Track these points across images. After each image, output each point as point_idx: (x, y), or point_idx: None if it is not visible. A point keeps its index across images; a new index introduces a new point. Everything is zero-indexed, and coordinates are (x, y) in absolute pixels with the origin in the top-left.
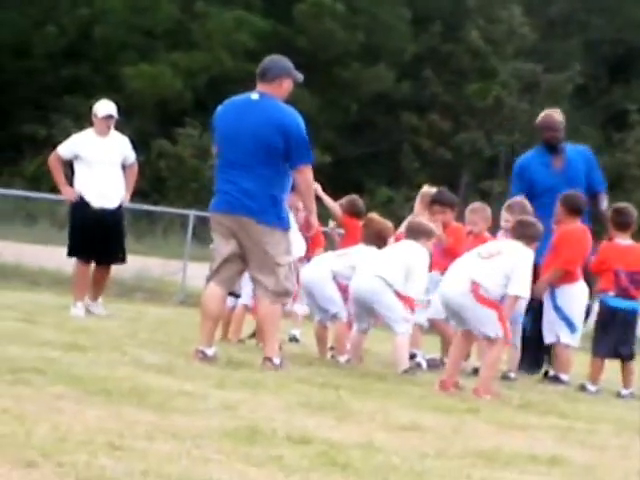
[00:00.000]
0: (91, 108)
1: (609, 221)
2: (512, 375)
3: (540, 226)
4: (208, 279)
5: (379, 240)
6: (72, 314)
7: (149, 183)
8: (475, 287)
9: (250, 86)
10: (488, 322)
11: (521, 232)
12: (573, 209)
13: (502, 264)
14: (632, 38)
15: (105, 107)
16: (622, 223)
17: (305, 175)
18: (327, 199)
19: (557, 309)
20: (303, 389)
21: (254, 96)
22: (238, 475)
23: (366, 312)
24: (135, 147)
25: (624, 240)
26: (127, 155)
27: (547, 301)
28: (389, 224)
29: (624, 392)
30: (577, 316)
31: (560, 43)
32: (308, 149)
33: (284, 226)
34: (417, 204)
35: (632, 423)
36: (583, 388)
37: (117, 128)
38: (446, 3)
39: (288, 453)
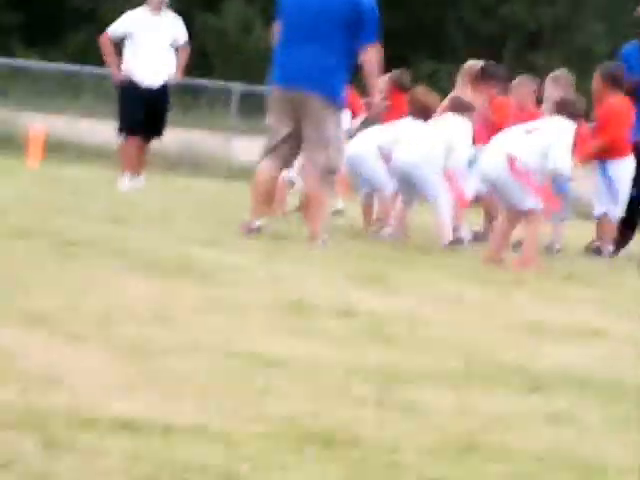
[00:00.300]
0: None
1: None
2: (557, 247)
3: (582, 102)
4: (263, 155)
5: (425, 113)
6: (120, 187)
7: (194, 57)
8: (511, 161)
9: None
10: (525, 195)
11: (563, 109)
12: (610, 81)
13: (541, 139)
14: None
15: None
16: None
17: (372, 53)
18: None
19: (609, 182)
20: (348, 262)
21: None
22: (283, 347)
23: (408, 185)
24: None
25: None
26: (178, 35)
27: (599, 174)
28: (434, 97)
29: None
30: (624, 192)
31: None
32: (377, 28)
33: (340, 104)
34: (461, 78)
35: None
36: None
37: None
38: None
39: (333, 325)
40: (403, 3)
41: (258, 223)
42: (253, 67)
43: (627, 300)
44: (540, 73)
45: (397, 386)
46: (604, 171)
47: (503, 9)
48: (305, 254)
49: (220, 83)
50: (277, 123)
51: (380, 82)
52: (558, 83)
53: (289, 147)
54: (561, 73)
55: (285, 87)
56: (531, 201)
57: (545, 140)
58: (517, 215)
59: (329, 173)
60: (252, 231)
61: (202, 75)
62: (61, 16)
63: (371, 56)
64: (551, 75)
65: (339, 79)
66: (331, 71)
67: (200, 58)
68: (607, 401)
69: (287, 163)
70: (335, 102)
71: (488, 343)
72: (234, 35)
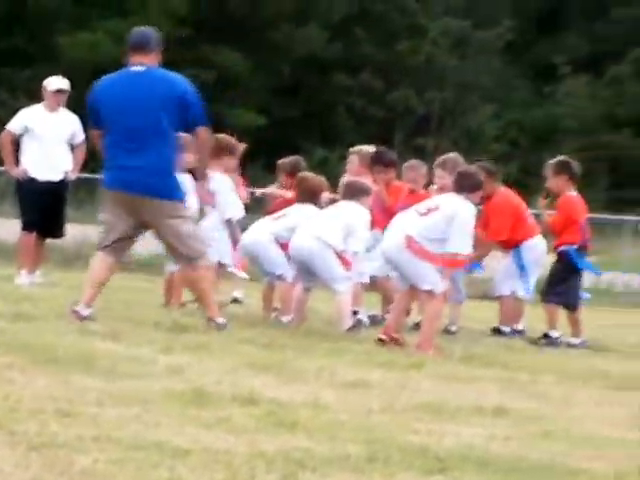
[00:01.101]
0: (28, 80)
1: (562, 174)
2: (453, 328)
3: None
4: (99, 248)
5: (313, 197)
6: (17, 283)
7: (87, 151)
8: (411, 241)
9: (183, 51)
10: (426, 275)
11: (461, 184)
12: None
13: (440, 219)
14: None
15: (56, 82)
16: (575, 175)
17: (203, 136)
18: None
19: (520, 264)
20: (248, 350)
21: (137, 68)
22: (187, 438)
23: (306, 272)
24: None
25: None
26: (76, 133)
27: (511, 256)
28: (322, 180)
29: (575, 341)
30: (533, 272)
31: None
32: (203, 111)
33: (180, 196)
34: (353, 164)
35: (574, 372)
36: (547, 337)
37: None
38: None
39: (236, 414)
40: (294, 90)
41: (86, 313)
42: None
43: (527, 379)
44: (430, 156)
45: (301, 473)
46: (517, 254)
47: (392, 94)
48: (204, 343)
49: None
50: (115, 221)
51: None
52: (446, 167)
53: (127, 241)
54: (449, 157)
55: (118, 191)
56: (431, 281)
57: (444, 220)
58: (416, 294)
59: (196, 260)
60: (81, 318)
61: (94, 169)
62: None
63: (203, 138)
64: (439, 159)
65: (172, 173)
66: (163, 171)
67: (93, 152)
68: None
69: (123, 254)
70: (175, 198)
71: (390, 426)
72: None
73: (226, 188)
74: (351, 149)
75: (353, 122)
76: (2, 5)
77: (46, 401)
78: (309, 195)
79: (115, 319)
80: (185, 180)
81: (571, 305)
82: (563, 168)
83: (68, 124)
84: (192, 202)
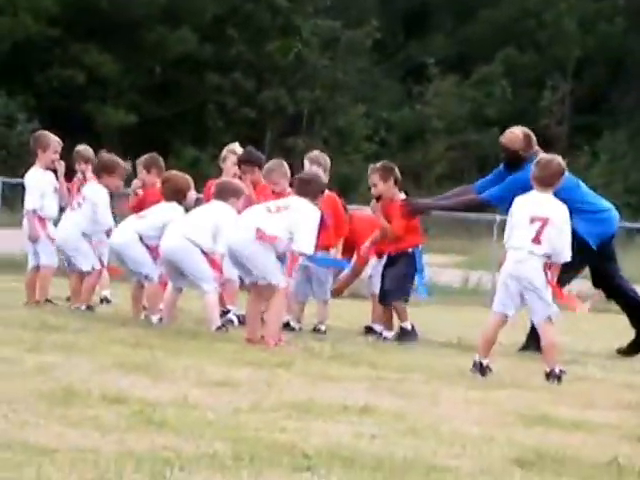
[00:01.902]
0: None
1: (389, 179)
2: (322, 328)
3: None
4: None
5: (179, 195)
6: None
7: None
8: (260, 234)
9: (53, 51)
10: (272, 270)
11: (304, 189)
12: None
13: (288, 219)
14: None
15: None
16: (399, 179)
17: None
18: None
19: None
20: (117, 350)
21: None
22: (55, 437)
23: (176, 272)
24: None
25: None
26: None
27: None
28: (187, 178)
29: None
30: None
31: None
32: None
33: None
34: (226, 163)
35: (440, 371)
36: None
37: None
38: None
39: (104, 413)
40: (165, 90)
41: None
42: (16, 159)
43: (395, 378)
44: (300, 156)
45: (169, 472)
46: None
47: (263, 94)
48: (73, 343)
49: None
50: None
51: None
52: (313, 161)
53: None
54: (315, 153)
55: None
56: (276, 275)
57: (291, 220)
58: (262, 291)
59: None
60: None
61: None
62: None
63: None
64: (307, 156)
65: None
66: None
67: None
68: (376, 477)
69: None
70: None
71: (257, 425)
72: None
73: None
74: (226, 148)
75: (224, 122)
76: None
77: None
78: (175, 194)
79: None
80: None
81: (405, 300)
82: (390, 173)
83: None
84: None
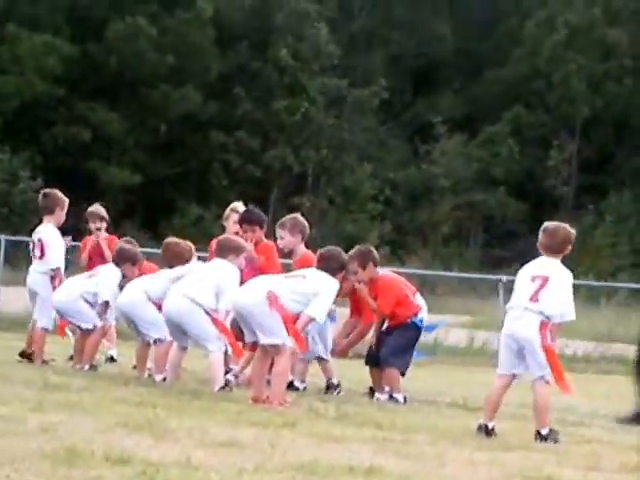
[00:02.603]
0: None
1: (367, 263)
2: (335, 381)
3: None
4: None
5: (180, 262)
6: None
7: None
8: (272, 296)
9: (59, 109)
10: (278, 331)
11: (324, 264)
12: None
13: (305, 285)
14: (433, 51)
15: None
16: (377, 259)
17: None
18: None
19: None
20: (120, 409)
21: None
22: None
23: (180, 331)
24: None
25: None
26: None
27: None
28: (188, 245)
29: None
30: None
31: (363, 58)
32: None
33: None
34: (228, 222)
35: (446, 432)
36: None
37: None
38: (253, 22)
39: (107, 473)
40: (170, 149)
41: None
42: (19, 217)
43: (400, 438)
44: (306, 215)
45: None
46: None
47: (269, 153)
48: (76, 402)
49: None
50: None
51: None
52: (284, 226)
53: None
54: (288, 217)
55: None
56: (281, 336)
57: (309, 287)
58: (267, 350)
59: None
60: None
61: None
62: None
63: None
64: (280, 221)
65: None
66: None
67: None
68: None
69: None
70: None
71: None
72: (0, 186)
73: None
74: (229, 207)
75: (229, 180)
76: None
77: None
78: (175, 260)
79: None
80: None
81: (402, 374)
82: (367, 258)
83: None
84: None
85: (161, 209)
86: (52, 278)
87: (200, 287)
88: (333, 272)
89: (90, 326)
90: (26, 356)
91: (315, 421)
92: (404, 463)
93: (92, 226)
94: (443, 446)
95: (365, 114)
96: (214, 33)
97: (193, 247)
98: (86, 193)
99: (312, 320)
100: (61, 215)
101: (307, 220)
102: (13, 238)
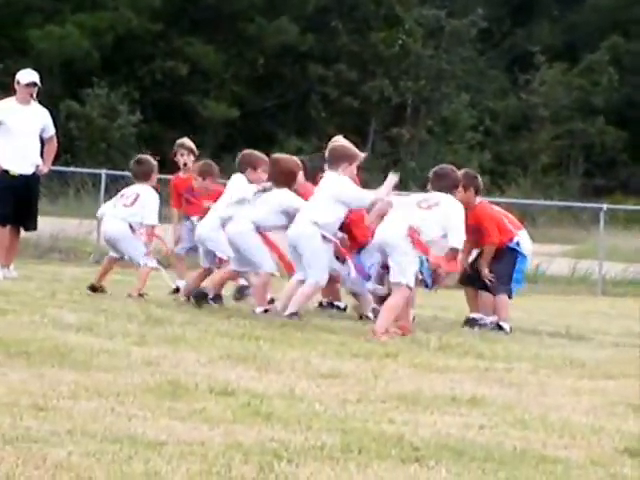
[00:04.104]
0: (4, 74)
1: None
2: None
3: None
4: None
5: (288, 178)
6: None
7: (59, 144)
8: (412, 232)
9: (156, 44)
10: (407, 268)
11: (439, 184)
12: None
13: (440, 215)
14: None
15: (28, 75)
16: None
17: None
18: None
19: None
20: (223, 342)
21: None
22: (162, 430)
23: (300, 260)
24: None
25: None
26: (46, 127)
27: None
28: (295, 160)
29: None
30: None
31: None
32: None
33: None
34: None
35: (548, 360)
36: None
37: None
38: None
39: (211, 406)
40: (268, 82)
41: None
42: (118, 152)
43: (502, 368)
44: (405, 145)
45: (277, 464)
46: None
47: (367, 85)
48: (179, 335)
49: (87, 170)
50: None
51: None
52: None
53: None
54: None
55: None
56: (407, 275)
57: (443, 217)
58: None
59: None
60: None
61: (68, 162)
62: None
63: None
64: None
65: None
66: None
67: (66, 144)
68: (486, 469)
69: None
70: None
71: (365, 416)
72: (98, 121)
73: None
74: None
75: (328, 112)
76: None
77: (20, 395)
78: (284, 176)
79: (89, 312)
80: None
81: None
82: (472, 182)
83: (40, 117)
84: None
85: (260, 142)
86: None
87: (319, 208)
88: (449, 190)
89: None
90: (97, 289)
91: (417, 351)
92: (506, 392)
93: (180, 160)
94: (545, 375)
95: (463, 44)
96: None
97: (299, 162)
98: (184, 127)
99: (458, 252)
100: (155, 179)
101: (407, 150)
102: (113, 172)
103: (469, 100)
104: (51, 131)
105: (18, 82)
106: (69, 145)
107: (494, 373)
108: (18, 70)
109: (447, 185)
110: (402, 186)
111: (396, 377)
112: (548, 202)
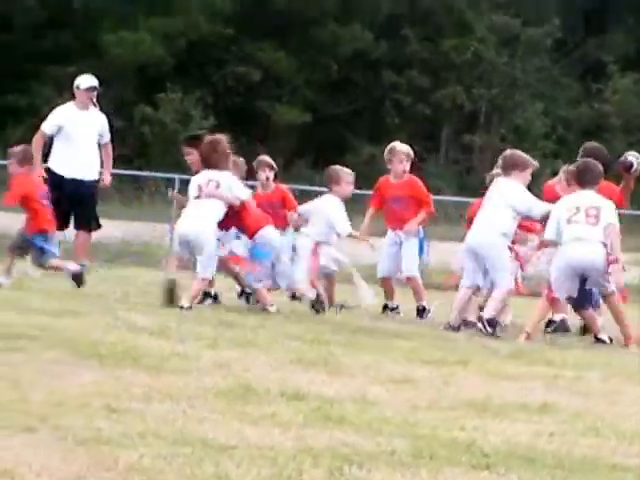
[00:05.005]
0: (73, 77)
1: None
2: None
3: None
4: None
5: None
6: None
7: (133, 148)
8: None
9: (228, 49)
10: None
11: (586, 180)
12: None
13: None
14: None
15: (88, 80)
16: None
17: None
18: None
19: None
20: (294, 346)
21: None
22: (234, 433)
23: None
24: (117, 114)
25: None
26: (104, 132)
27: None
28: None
29: None
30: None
31: None
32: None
33: None
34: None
35: (619, 368)
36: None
37: (99, 96)
38: None
39: (282, 410)
40: (340, 87)
41: None
42: None
43: (572, 375)
44: (477, 153)
45: (347, 468)
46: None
47: (439, 92)
48: (251, 339)
49: (160, 175)
50: None
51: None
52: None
53: None
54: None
55: None
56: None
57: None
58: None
59: None
60: None
61: (141, 166)
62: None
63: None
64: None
65: None
66: None
67: (139, 148)
68: (556, 476)
69: None
70: None
71: (435, 422)
72: (172, 126)
73: None
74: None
75: (400, 119)
76: (49, 3)
77: (92, 396)
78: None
79: (161, 315)
80: None
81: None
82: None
83: (98, 122)
84: None
85: (332, 148)
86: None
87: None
88: (595, 183)
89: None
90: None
91: (488, 358)
92: (577, 400)
93: (262, 175)
94: (616, 383)
95: (538, 53)
96: None
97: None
98: (257, 132)
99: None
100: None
101: (479, 158)
102: (186, 177)
103: (542, 108)
104: (107, 137)
105: (78, 87)
106: (143, 149)
107: (564, 381)
108: (93, 74)
109: (591, 179)
110: (473, 194)
111: (466, 384)
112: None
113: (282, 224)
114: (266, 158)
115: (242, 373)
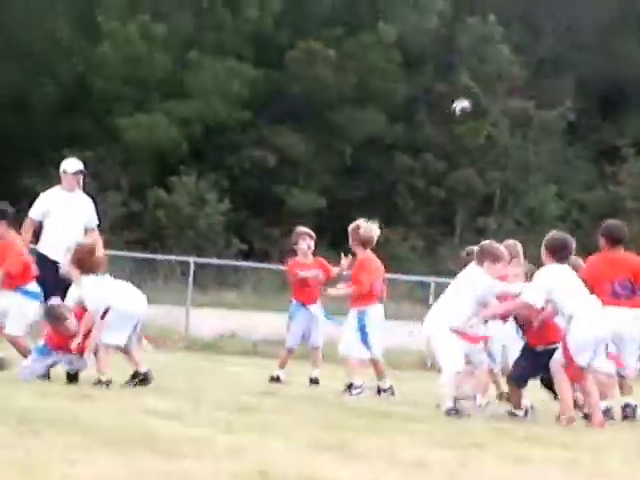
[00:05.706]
0: (90, 161)
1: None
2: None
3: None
4: None
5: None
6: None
7: (148, 232)
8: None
9: (244, 133)
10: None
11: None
12: None
13: None
14: (621, 74)
15: (74, 164)
16: None
17: None
18: None
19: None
20: (310, 430)
21: None
22: None
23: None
24: (133, 197)
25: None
26: (90, 217)
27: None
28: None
29: None
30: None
31: (551, 80)
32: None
33: None
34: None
35: (638, 449)
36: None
37: (85, 180)
38: (436, 45)
39: None
40: (354, 173)
41: None
42: (205, 240)
43: (589, 459)
44: (492, 237)
45: None
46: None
47: (453, 175)
48: (266, 423)
49: (175, 258)
50: None
51: None
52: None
53: None
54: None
55: None
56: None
57: None
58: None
59: None
60: None
61: (156, 249)
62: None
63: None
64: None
65: None
66: None
67: (154, 232)
68: None
69: None
70: None
71: None
72: (186, 209)
73: None
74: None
75: (415, 203)
76: (64, 88)
77: None
78: None
79: (177, 399)
80: None
81: None
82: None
83: (84, 205)
84: None
85: (347, 232)
86: None
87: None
88: None
89: None
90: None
91: (504, 441)
92: None
93: (303, 245)
94: (637, 465)
95: (551, 135)
96: (399, 55)
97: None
98: (272, 216)
99: None
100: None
101: (495, 240)
102: (201, 260)
103: (556, 191)
104: (94, 223)
105: (65, 171)
106: (157, 233)
107: (582, 465)
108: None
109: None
110: None
111: (482, 467)
112: None
113: (316, 295)
114: (305, 229)
115: (258, 458)
